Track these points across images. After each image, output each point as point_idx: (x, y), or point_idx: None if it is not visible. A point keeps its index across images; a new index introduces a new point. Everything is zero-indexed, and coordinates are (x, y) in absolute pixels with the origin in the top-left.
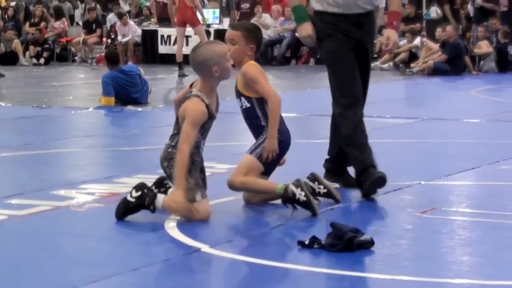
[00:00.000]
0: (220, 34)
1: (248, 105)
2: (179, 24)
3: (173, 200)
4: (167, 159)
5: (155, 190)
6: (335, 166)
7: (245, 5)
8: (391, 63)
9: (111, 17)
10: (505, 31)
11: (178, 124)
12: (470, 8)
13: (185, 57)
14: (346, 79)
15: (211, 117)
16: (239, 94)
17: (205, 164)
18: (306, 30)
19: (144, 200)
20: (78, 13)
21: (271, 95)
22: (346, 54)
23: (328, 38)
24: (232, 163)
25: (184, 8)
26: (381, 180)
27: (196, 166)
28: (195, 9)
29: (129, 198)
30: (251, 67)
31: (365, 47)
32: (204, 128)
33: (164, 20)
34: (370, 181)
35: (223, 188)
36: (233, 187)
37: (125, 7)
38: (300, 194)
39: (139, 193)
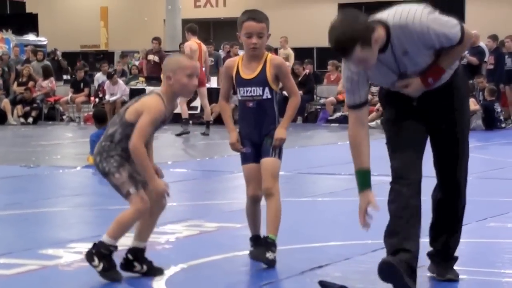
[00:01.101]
0: (208, 93)
1: (270, 96)
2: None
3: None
4: (100, 153)
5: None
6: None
7: None
8: (378, 121)
9: (99, 76)
10: (492, 89)
11: (122, 121)
12: None
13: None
14: (390, 149)
15: (163, 121)
16: (264, 84)
17: (193, 222)
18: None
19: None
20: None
21: (297, 94)
22: (400, 123)
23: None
24: (220, 221)
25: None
26: (383, 267)
27: (132, 162)
28: (204, 70)
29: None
30: (284, 62)
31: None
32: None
33: (152, 79)
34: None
35: (212, 247)
36: (271, 194)
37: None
38: None
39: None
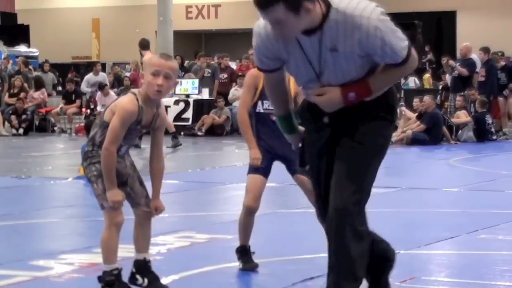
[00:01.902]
0: (199, 104)
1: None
2: None
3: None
4: (84, 159)
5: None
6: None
7: (223, 75)
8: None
9: (90, 77)
10: (483, 101)
11: (101, 122)
12: (448, 77)
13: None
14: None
15: (139, 122)
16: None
17: (184, 234)
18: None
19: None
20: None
21: None
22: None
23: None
24: (212, 233)
25: None
26: None
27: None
28: None
29: None
30: None
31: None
32: (128, 130)
33: None
34: None
35: (203, 258)
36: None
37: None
38: None
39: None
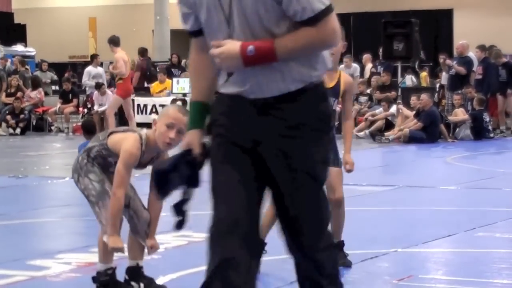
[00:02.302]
0: None
1: (334, 109)
2: None
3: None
4: (77, 170)
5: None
6: None
7: None
8: (367, 131)
9: (91, 69)
10: (480, 99)
11: (103, 142)
12: (444, 75)
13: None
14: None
15: (139, 164)
16: (336, 95)
17: (182, 233)
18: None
19: None
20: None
21: (352, 116)
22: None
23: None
24: None
25: None
26: None
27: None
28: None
29: None
30: (353, 83)
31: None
32: None
33: (140, 89)
34: None
35: (201, 257)
36: (342, 202)
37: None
38: None
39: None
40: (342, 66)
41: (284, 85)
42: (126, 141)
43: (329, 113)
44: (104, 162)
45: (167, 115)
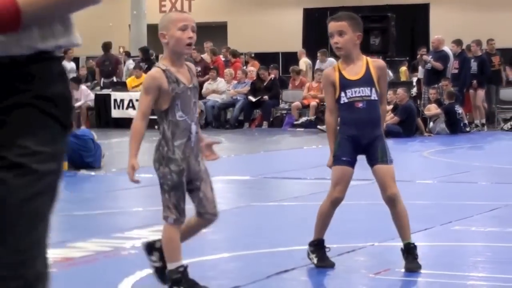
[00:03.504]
0: None
1: (376, 98)
2: None
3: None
4: (159, 160)
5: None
6: None
7: (197, 68)
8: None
9: (65, 64)
10: (450, 92)
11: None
12: (420, 70)
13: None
14: None
15: (177, 81)
16: (371, 84)
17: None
18: None
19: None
20: None
21: (386, 100)
22: None
23: None
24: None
25: None
26: None
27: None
28: None
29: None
30: (385, 64)
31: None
32: (178, 98)
33: (118, 84)
34: None
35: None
36: (397, 200)
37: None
38: None
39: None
40: (317, 61)
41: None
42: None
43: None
44: (173, 127)
45: (173, 21)
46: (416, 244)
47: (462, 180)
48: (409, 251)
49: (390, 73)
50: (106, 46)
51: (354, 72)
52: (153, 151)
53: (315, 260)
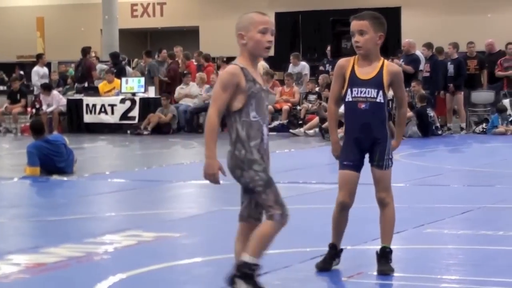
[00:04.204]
0: (145, 102)
1: (382, 101)
2: None
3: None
4: (239, 166)
5: None
6: None
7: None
8: (317, 129)
9: (38, 69)
10: (421, 95)
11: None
12: None
13: (109, 125)
14: None
15: (254, 81)
16: (379, 86)
17: (132, 232)
18: None
19: None
20: None
21: (406, 104)
22: None
23: None
24: (159, 231)
25: None
26: None
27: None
28: None
29: None
30: (401, 70)
31: None
32: (253, 98)
33: (90, 89)
34: None
35: (151, 256)
36: (387, 204)
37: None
38: None
39: None
40: (290, 65)
41: None
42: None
43: None
44: (247, 127)
45: (254, 22)
46: (392, 248)
47: (434, 183)
48: (384, 254)
49: None
50: (84, 51)
51: (366, 72)
52: (227, 159)
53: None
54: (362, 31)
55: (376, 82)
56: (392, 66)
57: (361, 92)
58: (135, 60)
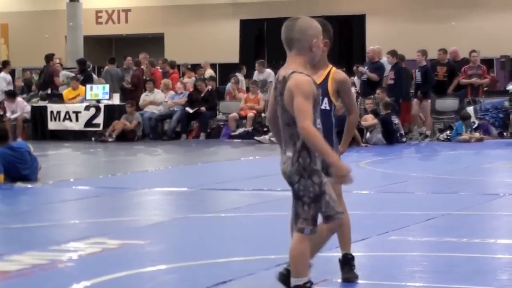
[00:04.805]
0: (110, 109)
1: (328, 108)
2: None
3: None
4: (300, 173)
5: None
6: None
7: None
8: (267, 137)
9: (4, 76)
10: (386, 103)
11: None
12: (356, 81)
13: (74, 132)
14: None
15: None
16: (324, 94)
17: (96, 240)
18: None
19: None
20: None
21: (355, 111)
22: None
23: None
24: (124, 238)
25: None
26: None
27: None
28: None
29: None
30: (347, 78)
31: None
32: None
33: (54, 96)
34: None
35: (115, 264)
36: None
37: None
38: None
39: None
40: (255, 72)
41: None
42: (292, 81)
43: None
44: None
45: (320, 31)
46: (353, 254)
47: (398, 190)
48: (347, 261)
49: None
50: (47, 58)
51: (316, 77)
52: (284, 164)
53: None
54: None
55: (322, 90)
56: (338, 74)
57: None
58: (106, 67)
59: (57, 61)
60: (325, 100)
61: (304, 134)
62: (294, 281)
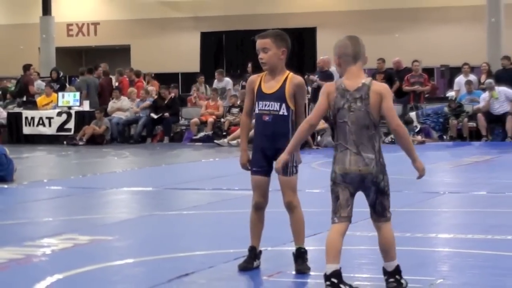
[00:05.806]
0: (80, 115)
1: (286, 113)
2: None
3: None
4: (383, 171)
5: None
6: None
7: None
8: (239, 140)
9: None
10: None
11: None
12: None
13: (47, 136)
14: None
15: None
16: (281, 100)
17: (68, 236)
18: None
19: None
20: None
21: (302, 118)
22: None
23: None
24: (94, 234)
25: None
26: None
27: None
28: None
29: None
30: (304, 83)
31: None
32: None
33: (29, 103)
34: None
35: (86, 258)
36: (294, 207)
37: None
38: None
39: None
40: (215, 80)
41: None
42: (380, 86)
43: None
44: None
45: None
46: (306, 248)
47: None
48: (300, 255)
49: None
50: (25, 68)
51: (270, 86)
52: (375, 164)
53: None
54: (265, 49)
55: (279, 96)
56: (295, 78)
57: (265, 105)
58: (81, 77)
59: (32, 70)
60: (283, 105)
61: (400, 132)
62: (392, 264)
